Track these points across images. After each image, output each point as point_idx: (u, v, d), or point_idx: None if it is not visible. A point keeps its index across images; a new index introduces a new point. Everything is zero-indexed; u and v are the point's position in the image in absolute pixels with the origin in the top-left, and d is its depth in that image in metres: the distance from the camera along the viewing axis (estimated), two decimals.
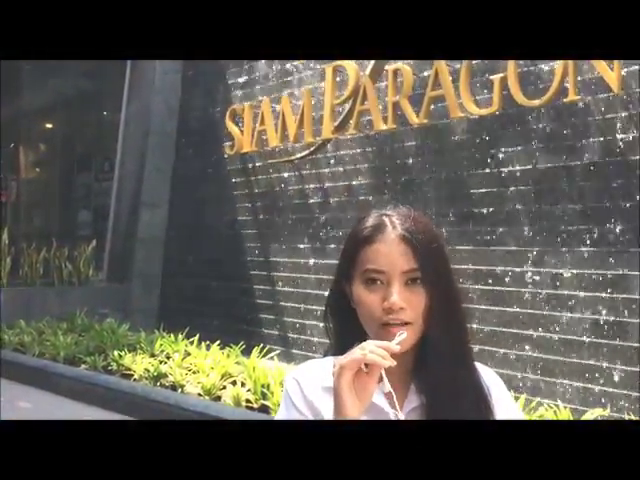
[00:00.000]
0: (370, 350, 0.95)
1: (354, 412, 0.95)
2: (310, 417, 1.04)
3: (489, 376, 1.12)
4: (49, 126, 11.12)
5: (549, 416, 3.81)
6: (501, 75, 4.44)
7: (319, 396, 1.05)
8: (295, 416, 1.05)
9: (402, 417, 1.03)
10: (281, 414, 1.08)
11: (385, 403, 1.03)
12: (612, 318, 3.96)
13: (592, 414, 3.79)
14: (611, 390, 3.92)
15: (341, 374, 0.95)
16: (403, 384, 1.05)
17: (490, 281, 4.58)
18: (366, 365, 0.96)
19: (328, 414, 1.03)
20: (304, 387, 1.06)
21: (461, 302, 1.09)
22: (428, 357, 1.04)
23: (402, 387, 1.05)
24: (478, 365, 1.12)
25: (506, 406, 1.11)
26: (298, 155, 6.08)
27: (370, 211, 1.11)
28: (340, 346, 1.11)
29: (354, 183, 5.64)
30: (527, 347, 4.37)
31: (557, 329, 4.22)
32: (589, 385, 4.02)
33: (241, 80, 6.92)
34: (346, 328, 1.10)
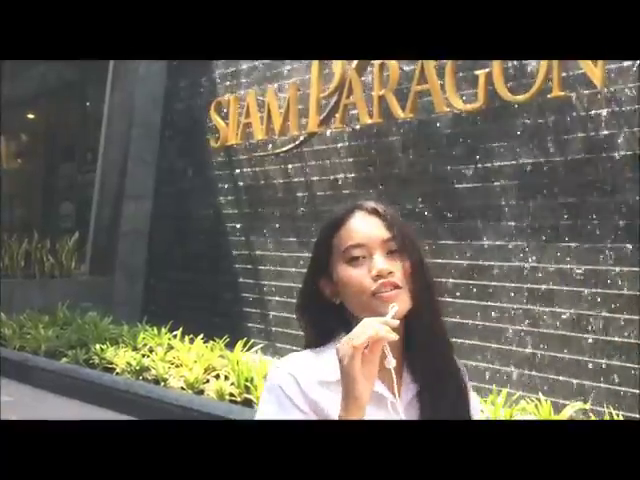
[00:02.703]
0: (376, 327, 0.93)
1: (367, 394, 0.94)
2: (311, 415, 1.00)
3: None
4: (31, 116, 10.97)
5: (530, 409, 3.85)
6: (486, 70, 4.45)
7: (318, 391, 1.01)
8: (289, 410, 1.01)
9: (400, 403, 1.02)
10: (271, 409, 1.01)
11: (384, 389, 1.02)
12: (594, 313, 4.00)
13: (572, 407, 3.84)
14: (591, 384, 3.97)
15: (354, 355, 0.92)
16: (397, 368, 1.03)
17: (474, 275, 4.60)
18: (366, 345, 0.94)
19: (330, 409, 1.00)
20: (302, 382, 1.02)
21: (433, 277, 1.10)
22: (417, 335, 1.04)
23: (396, 372, 1.03)
24: None
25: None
26: (283, 148, 6.06)
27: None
28: (315, 341, 1.10)
29: (339, 177, 5.63)
30: (509, 341, 4.40)
31: (539, 323, 4.26)
32: (570, 379, 4.07)
33: (227, 72, 6.87)
34: (321, 324, 1.09)
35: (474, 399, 1.13)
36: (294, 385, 1.01)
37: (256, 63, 6.50)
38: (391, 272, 1.03)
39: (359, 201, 1.12)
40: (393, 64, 5.03)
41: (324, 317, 1.09)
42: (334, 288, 1.08)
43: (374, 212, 1.07)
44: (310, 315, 1.12)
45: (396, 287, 1.02)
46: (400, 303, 1.01)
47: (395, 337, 0.94)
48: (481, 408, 1.20)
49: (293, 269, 5.92)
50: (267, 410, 1.02)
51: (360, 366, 0.93)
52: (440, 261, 4.62)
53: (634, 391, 3.76)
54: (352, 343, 0.93)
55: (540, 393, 4.09)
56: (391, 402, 1.02)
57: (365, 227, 1.06)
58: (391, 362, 0.97)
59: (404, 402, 1.04)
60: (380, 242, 1.05)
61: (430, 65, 4.75)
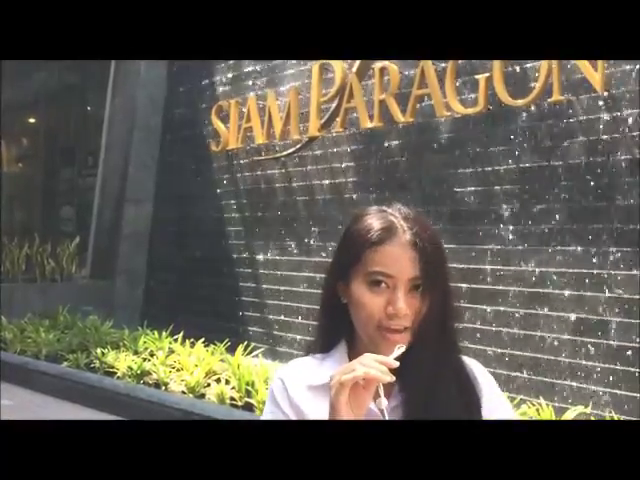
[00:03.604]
0: (370, 366, 0.93)
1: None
2: (292, 417, 1.03)
3: (479, 373, 1.12)
4: (32, 120, 11.00)
5: (532, 413, 3.85)
6: (486, 75, 4.46)
7: (304, 396, 1.04)
8: (278, 415, 1.04)
9: (386, 417, 1.01)
10: (265, 413, 1.08)
11: (372, 404, 1.02)
12: (595, 317, 4.00)
13: (574, 411, 3.83)
14: (593, 388, 3.96)
15: (339, 391, 0.93)
16: (388, 384, 1.04)
17: (475, 279, 4.60)
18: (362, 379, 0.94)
19: (312, 414, 1.02)
20: (289, 386, 1.05)
21: (453, 305, 1.09)
22: (413, 358, 1.03)
23: (387, 385, 1.03)
24: (471, 362, 1.12)
25: (497, 407, 1.11)
26: (284, 152, 6.07)
27: (369, 208, 1.08)
28: (325, 344, 1.11)
29: (340, 181, 5.64)
30: (511, 345, 4.40)
31: (540, 327, 4.26)
32: (571, 383, 4.06)
33: (227, 76, 6.89)
34: (334, 326, 1.10)
35: (500, 412, 1.09)
36: (282, 389, 1.05)
37: (257, 67, 6.51)
38: (407, 314, 1.02)
39: (399, 215, 1.05)
40: (393, 68, 5.05)
41: (335, 319, 1.09)
42: (345, 290, 1.07)
43: (414, 245, 1.02)
44: (326, 319, 1.11)
45: (405, 329, 1.02)
46: (404, 343, 1.02)
47: (391, 379, 0.94)
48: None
49: (294, 273, 5.92)
50: (264, 410, 1.09)
51: (346, 401, 0.93)
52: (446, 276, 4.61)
53: (635, 395, 3.76)
54: (340, 379, 0.93)
55: (541, 397, 4.08)
56: (375, 412, 1.01)
57: (400, 259, 1.02)
58: (382, 403, 0.96)
59: (388, 410, 1.04)
60: (407, 279, 1.02)
61: (430, 69, 4.76)
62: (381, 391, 0.96)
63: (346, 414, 0.93)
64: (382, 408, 0.97)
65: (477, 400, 1.07)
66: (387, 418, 0.98)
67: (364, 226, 1.05)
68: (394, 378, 0.94)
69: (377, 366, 0.93)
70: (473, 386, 1.08)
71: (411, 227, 1.04)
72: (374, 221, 1.05)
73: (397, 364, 0.95)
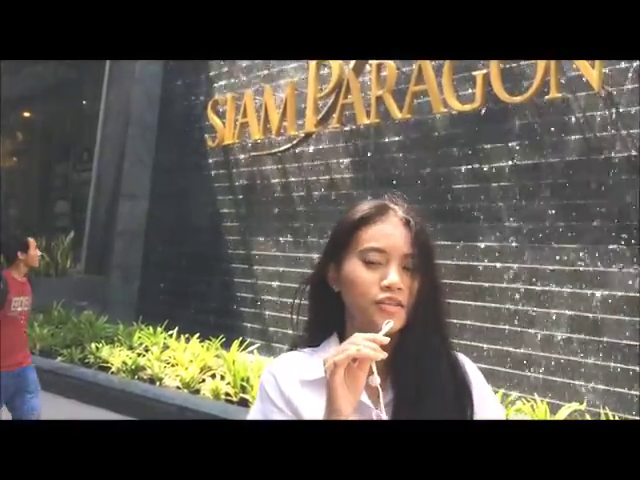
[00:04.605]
0: (361, 344, 0.94)
1: (347, 407, 0.95)
2: (286, 411, 1.03)
3: (470, 369, 1.12)
4: (27, 115, 10.95)
5: (526, 409, 3.86)
6: (484, 72, 4.46)
7: (297, 390, 1.04)
8: (270, 409, 1.04)
9: (383, 414, 1.01)
10: (256, 408, 1.07)
11: (368, 399, 1.02)
12: (590, 314, 4.01)
13: (569, 408, 3.85)
14: (587, 384, 3.98)
15: (334, 371, 0.94)
16: (382, 377, 1.03)
17: (471, 276, 4.61)
18: (354, 359, 0.95)
19: (306, 408, 1.02)
20: (281, 381, 1.05)
21: (445, 297, 1.10)
22: (407, 349, 1.04)
23: (382, 376, 1.02)
24: (463, 358, 1.12)
25: (487, 403, 1.11)
26: (280, 148, 6.06)
27: (362, 200, 1.11)
28: (314, 338, 1.10)
29: (336, 177, 5.64)
30: (506, 342, 4.41)
31: (535, 324, 4.27)
32: (565, 379, 4.08)
33: (223, 71, 6.87)
34: (324, 320, 1.09)
35: (489, 410, 1.09)
36: (273, 383, 1.05)
37: (253, 62, 6.49)
38: (400, 288, 1.03)
39: (393, 203, 1.08)
40: (390, 65, 5.04)
41: (327, 312, 1.09)
42: (337, 276, 1.08)
43: (406, 223, 1.05)
44: (316, 312, 1.11)
45: (399, 304, 1.03)
46: (397, 321, 1.02)
47: (383, 355, 0.95)
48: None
49: (289, 269, 5.92)
50: (254, 405, 1.08)
51: (341, 381, 0.94)
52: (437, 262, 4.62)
53: (632, 392, 3.77)
54: (334, 359, 0.94)
55: (536, 394, 4.10)
56: (376, 413, 1.01)
57: (393, 235, 1.04)
58: (375, 380, 0.97)
59: (379, 385, 1.04)
60: (400, 255, 1.04)
61: (428, 66, 4.75)
62: (374, 368, 0.96)
63: (343, 394, 0.94)
64: (375, 384, 0.98)
65: (469, 395, 1.08)
66: (381, 399, 0.98)
67: (356, 209, 1.08)
68: (386, 355, 0.95)
69: (368, 344, 0.94)
70: (465, 381, 1.09)
71: (403, 208, 1.07)
72: (366, 203, 1.08)
73: (387, 340, 0.96)
